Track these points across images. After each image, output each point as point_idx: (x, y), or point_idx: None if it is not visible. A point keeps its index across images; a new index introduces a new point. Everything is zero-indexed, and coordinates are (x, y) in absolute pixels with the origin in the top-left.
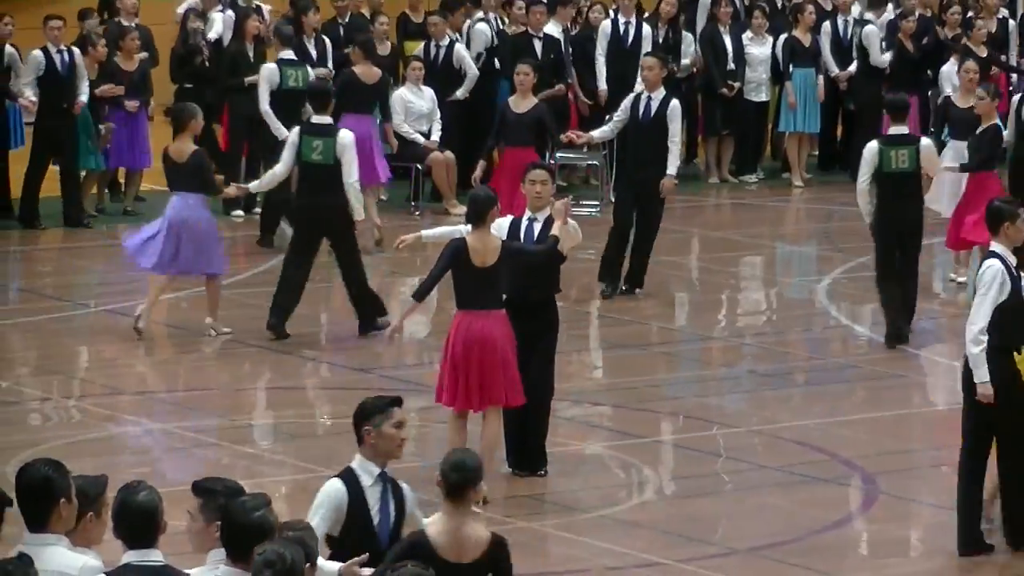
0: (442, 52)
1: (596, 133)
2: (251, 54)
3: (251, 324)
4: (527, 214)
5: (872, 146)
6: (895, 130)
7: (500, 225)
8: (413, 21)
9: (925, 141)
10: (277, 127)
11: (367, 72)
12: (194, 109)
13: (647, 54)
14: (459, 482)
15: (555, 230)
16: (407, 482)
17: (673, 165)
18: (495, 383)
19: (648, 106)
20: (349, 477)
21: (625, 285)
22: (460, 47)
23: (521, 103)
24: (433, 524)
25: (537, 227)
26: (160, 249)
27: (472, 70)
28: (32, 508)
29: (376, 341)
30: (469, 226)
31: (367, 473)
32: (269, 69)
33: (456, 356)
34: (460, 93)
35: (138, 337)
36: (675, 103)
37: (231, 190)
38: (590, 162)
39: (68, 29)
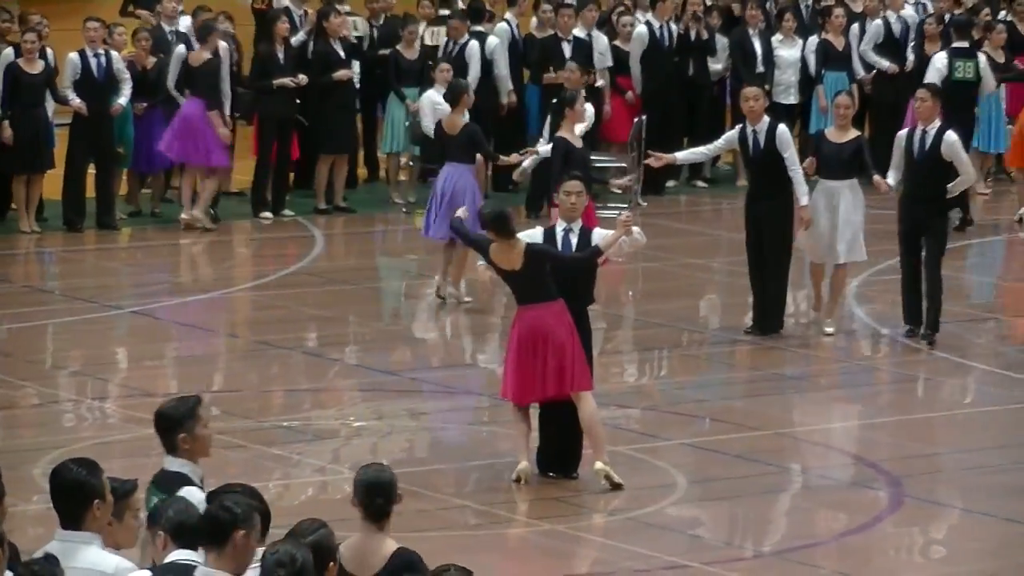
0: (456, 50)
1: (681, 155)
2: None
3: (277, 326)
4: (561, 224)
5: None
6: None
7: (533, 235)
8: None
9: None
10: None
11: (197, 56)
12: (465, 84)
13: (749, 85)
14: (381, 506)
15: (609, 239)
16: (426, 486)
17: (803, 194)
18: (565, 367)
19: (756, 139)
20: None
21: (756, 327)
22: (473, 45)
23: (576, 137)
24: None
25: (573, 238)
26: (431, 216)
27: (474, 71)
28: (68, 507)
29: (404, 343)
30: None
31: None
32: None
33: (514, 349)
34: None
35: (442, 302)
36: (782, 128)
37: (511, 158)
38: (618, 165)
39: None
